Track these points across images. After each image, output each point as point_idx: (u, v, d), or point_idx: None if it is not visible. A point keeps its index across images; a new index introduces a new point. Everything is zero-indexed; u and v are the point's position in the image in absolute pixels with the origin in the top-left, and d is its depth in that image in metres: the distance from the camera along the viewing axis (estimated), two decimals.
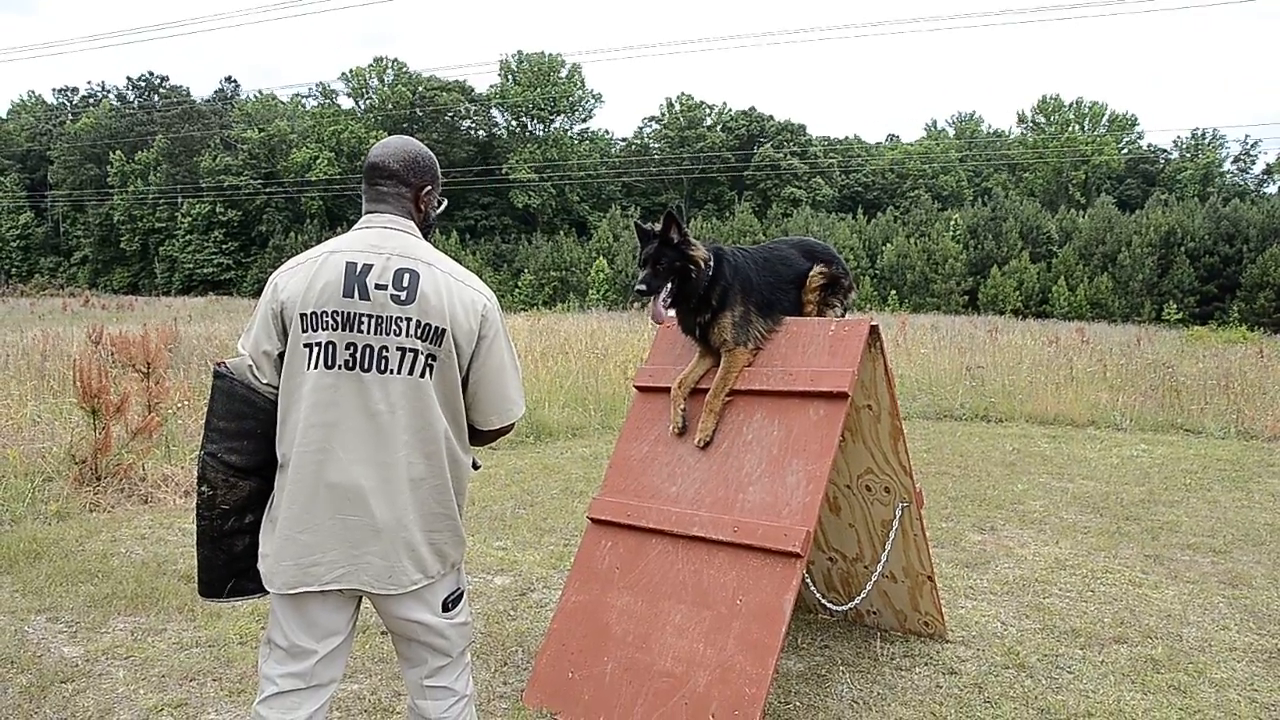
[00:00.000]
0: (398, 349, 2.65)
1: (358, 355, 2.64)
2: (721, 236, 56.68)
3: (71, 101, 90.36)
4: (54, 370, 12.84)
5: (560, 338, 19.55)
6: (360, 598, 2.81)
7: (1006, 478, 9.46)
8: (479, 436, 2.91)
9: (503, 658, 4.78)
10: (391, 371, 2.65)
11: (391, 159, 2.82)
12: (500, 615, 5.41)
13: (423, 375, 2.67)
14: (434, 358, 2.68)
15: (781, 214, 64.49)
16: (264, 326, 2.71)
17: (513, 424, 2.92)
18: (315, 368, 2.63)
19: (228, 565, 2.78)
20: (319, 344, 2.64)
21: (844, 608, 4.92)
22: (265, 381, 2.72)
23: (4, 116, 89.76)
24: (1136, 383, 15.44)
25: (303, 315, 2.65)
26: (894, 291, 51.91)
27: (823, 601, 4.70)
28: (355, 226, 2.82)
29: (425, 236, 2.87)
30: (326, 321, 2.63)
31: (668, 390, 4.48)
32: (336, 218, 71.87)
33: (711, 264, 4.18)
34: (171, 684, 4.39)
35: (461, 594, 2.90)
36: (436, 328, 2.67)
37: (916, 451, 4.45)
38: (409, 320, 2.65)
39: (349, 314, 2.64)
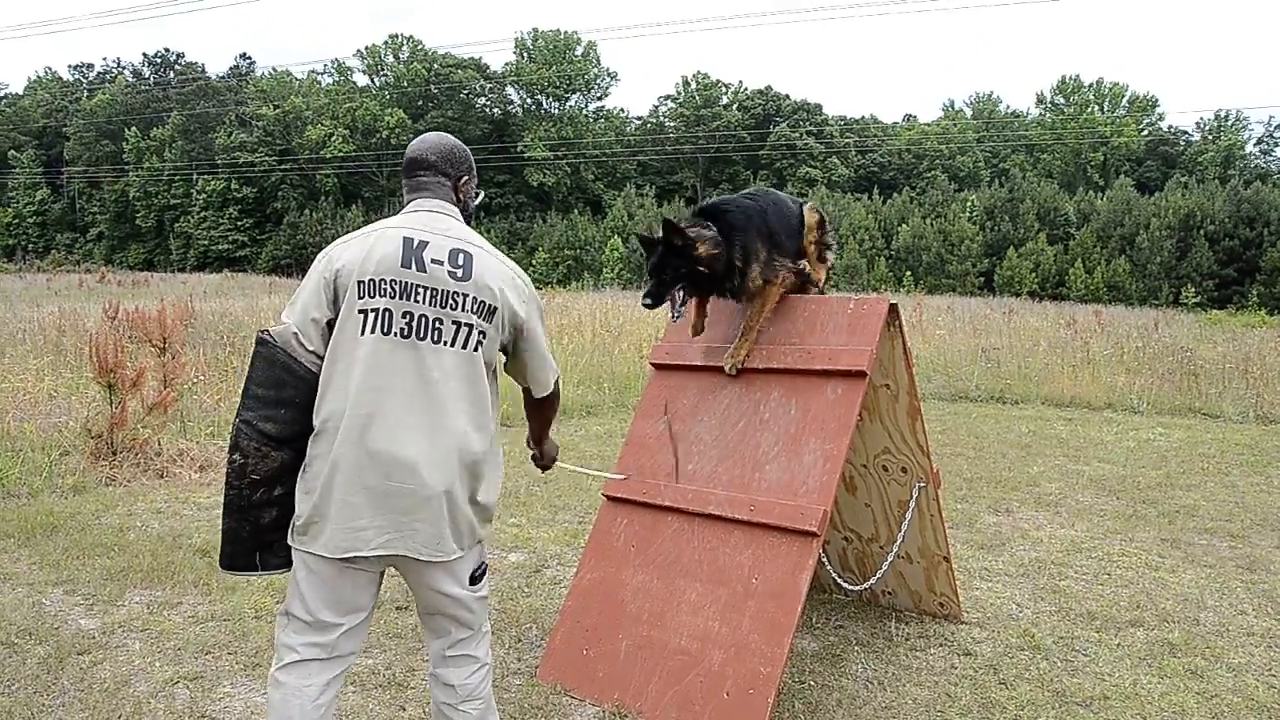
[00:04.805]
0: (453, 323, 2.73)
1: (414, 324, 2.70)
2: None
3: (87, 78, 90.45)
4: (71, 346, 12.88)
5: (574, 316, 19.52)
6: (383, 572, 2.83)
7: (1022, 460, 9.42)
8: (541, 407, 3.20)
9: (517, 634, 4.79)
10: (446, 343, 2.72)
11: (429, 152, 2.93)
12: (515, 592, 5.42)
13: (469, 347, 2.76)
14: (484, 334, 2.78)
15: (797, 194, 64.07)
16: (315, 294, 2.74)
17: (559, 388, 3.16)
18: (371, 333, 2.68)
19: (254, 537, 2.78)
20: (375, 310, 2.68)
21: (859, 588, 4.91)
22: (310, 349, 2.73)
23: (20, 93, 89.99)
24: (1154, 366, 15.33)
25: (359, 282, 2.69)
26: (909, 272, 51.65)
27: (838, 581, 4.69)
28: (403, 211, 2.90)
29: (468, 225, 2.97)
30: (384, 289, 2.69)
31: (684, 368, 4.46)
32: (351, 195, 71.98)
33: (720, 243, 4.03)
34: (187, 657, 4.41)
35: (485, 567, 2.97)
36: (490, 305, 2.78)
37: (931, 433, 4.44)
38: (466, 296, 2.74)
39: (406, 284, 2.70)
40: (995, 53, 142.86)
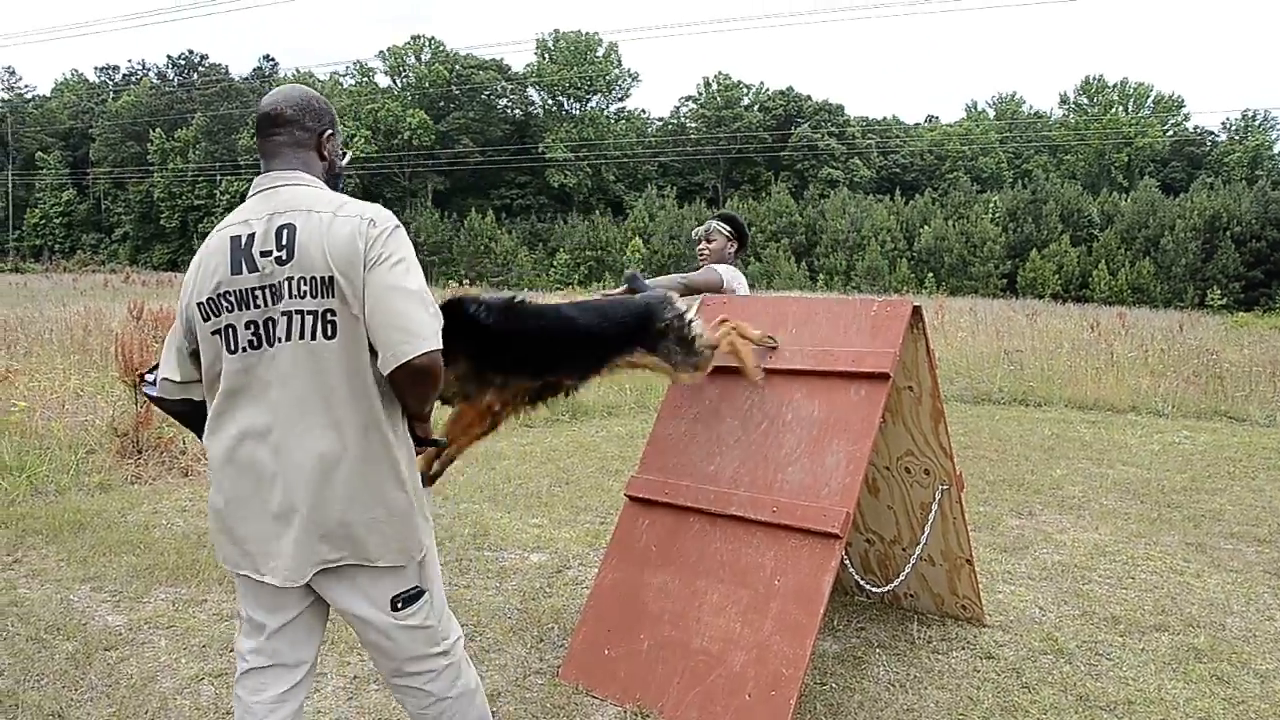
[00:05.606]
0: (295, 313, 2.38)
1: (259, 331, 2.41)
2: (758, 218, 56.48)
3: (113, 80, 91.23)
4: (96, 345, 13.01)
5: None
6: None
7: (1045, 462, 9.36)
8: (394, 385, 2.47)
9: (539, 634, 4.80)
10: (293, 339, 2.40)
11: (284, 104, 2.54)
12: (536, 592, 5.44)
13: (318, 337, 2.40)
14: (332, 312, 2.39)
15: (819, 195, 64.00)
16: (179, 323, 2.59)
17: (419, 366, 2.37)
18: (226, 355, 2.46)
19: None
20: (220, 330, 2.45)
21: (881, 590, 4.89)
22: (181, 381, 2.62)
23: (47, 95, 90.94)
24: (1179, 369, 15.18)
25: (199, 305, 2.47)
26: (931, 274, 51.43)
27: (860, 583, 4.67)
28: (249, 193, 2.56)
29: (337, 188, 2.60)
30: (222, 305, 2.43)
31: None
32: (372, 196, 71.96)
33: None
34: (212, 654, 4.45)
35: (420, 593, 2.58)
36: (323, 278, 2.37)
37: (954, 435, 4.40)
38: (293, 280, 2.38)
39: (242, 291, 2.41)
40: (1018, 53, 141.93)
